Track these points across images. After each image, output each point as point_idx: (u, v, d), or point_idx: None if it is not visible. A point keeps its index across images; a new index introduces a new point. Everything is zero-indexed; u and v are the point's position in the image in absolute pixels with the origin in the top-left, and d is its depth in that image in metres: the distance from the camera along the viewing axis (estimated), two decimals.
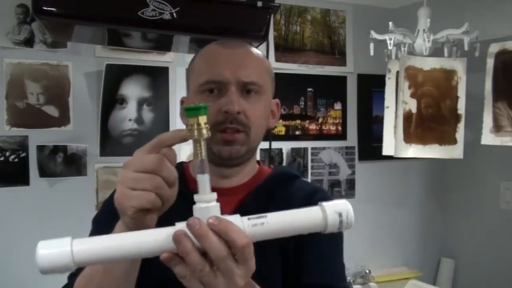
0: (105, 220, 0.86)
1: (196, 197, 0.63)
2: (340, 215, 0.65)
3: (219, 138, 0.85)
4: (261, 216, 0.62)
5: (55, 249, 0.55)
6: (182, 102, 0.96)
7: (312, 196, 0.91)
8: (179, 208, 0.84)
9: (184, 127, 0.70)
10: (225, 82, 0.85)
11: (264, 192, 0.91)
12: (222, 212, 0.72)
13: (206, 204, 0.63)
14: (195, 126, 0.62)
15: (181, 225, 0.59)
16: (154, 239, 0.58)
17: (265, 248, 0.87)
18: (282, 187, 0.93)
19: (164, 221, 0.81)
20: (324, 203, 0.65)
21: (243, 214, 0.84)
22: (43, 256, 0.55)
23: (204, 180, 0.63)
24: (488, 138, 1.83)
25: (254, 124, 0.87)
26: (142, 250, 0.58)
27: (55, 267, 0.56)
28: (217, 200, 0.71)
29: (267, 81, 0.91)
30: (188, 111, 0.62)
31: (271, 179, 0.94)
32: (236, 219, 0.60)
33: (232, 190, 0.91)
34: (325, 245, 0.96)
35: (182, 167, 0.97)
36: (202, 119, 0.62)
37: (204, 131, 0.62)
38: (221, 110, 0.84)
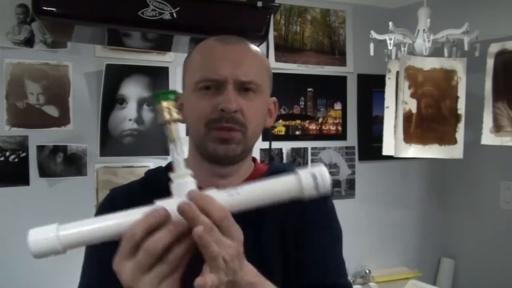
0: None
1: (172, 175, 0.66)
2: (314, 177, 0.65)
3: (214, 136, 0.83)
4: (238, 187, 0.65)
5: (43, 235, 0.60)
6: (177, 98, 0.92)
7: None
8: None
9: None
10: (222, 81, 0.83)
11: None
12: None
13: (183, 180, 0.65)
14: (164, 108, 0.65)
15: (160, 203, 0.63)
16: (136, 218, 0.61)
17: (265, 248, 0.87)
18: None
19: None
20: (298, 169, 0.66)
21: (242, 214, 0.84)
22: (33, 242, 0.60)
23: (178, 160, 0.66)
24: (488, 138, 1.83)
25: (251, 123, 0.85)
26: (124, 230, 0.61)
27: (44, 251, 0.60)
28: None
29: (265, 79, 0.89)
30: (156, 97, 0.65)
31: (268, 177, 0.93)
32: (212, 192, 0.63)
33: None
34: (325, 243, 0.96)
35: (166, 172, 0.94)
36: (169, 104, 0.65)
37: (174, 113, 0.65)
38: (217, 108, 0.82)
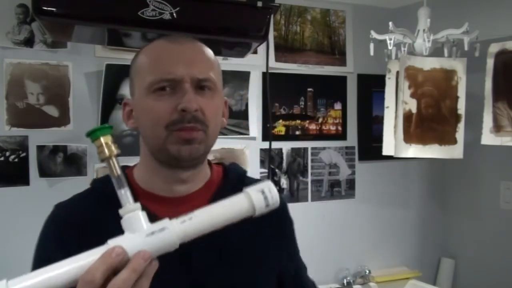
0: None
1: (121, 211, 0.64)
2: (262, 192, 0.66)
3: (176, 138, 0.79)
4: (190, 213, 0.64)
5: None
6: (125, 104, 0.88)
7: None
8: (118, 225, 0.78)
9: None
10: (179, 80, 0.79)
11: (226, 196, 0.85)
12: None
13: (133, 214, 0.64)
14: (103, 145, 0.65)
15: (113, 242, 0.62)
16: (89, 261, 0.59)
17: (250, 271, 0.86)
18: (238, 187, 0.87)
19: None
20: (246, 188, 0.67)
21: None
22: None
23: (125, 194, 0.65)
24: (488, 138, 1.83)
25: (211, 121, 0.82)
26: (80, 275, 0.59)
27: None
28: (173, 211, 0.73)
29: (219, 77, 0.87)
30: (92, 134, 0.65)
31: (229, 182, 0.91)
32: (165, 222, 0.63)
33: (191, 196, 0.86)
34: (298, 263, 0.99)
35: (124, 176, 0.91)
36: (107, 139, 0.65)
37: (113, 148, 0.65)
38: (176, 109, 0.78)
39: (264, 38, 1.33)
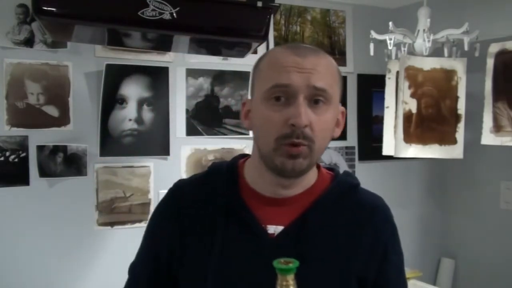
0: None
1: None
2: None
3: (283, 151, 0.81)
4: None
5: None
6: (244, 104, 0.92)
7: (371, 216, 0.92)
8: (230, 223, 0.87)
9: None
10: (294, 88, 0.81)
11: (328, 204, 0.89)
12: (280, 222, 0.85)
13: None
14: (284, 283, 0.70)
15: None
16: None
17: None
18: (344, 198, 0.91)
19: (225, 251, 0.86)
20: None
21: (305, 224, 0.87)
22: None
23: None
24: (488, 138, 1.83)
25: (319, 137, 0.83)
26: None
27: None
28: (272, 211, 0.84)
29: (336, 90, 0.87)
30: (281, 271, 0.70)
31: (335, 190, 0.91)
32: None
33: (293, 198, 0.89)
34: (396, 281, 0.96)
35: (235, 167, 0.95)
36: (291, 277, 0.70)
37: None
38: (287, 122, 0.80)
39: (264, 38, 1.33)
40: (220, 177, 0.92)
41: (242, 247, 0.86)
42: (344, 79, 2.38)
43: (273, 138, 0.81)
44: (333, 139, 0.90)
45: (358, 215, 0.91)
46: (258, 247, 0.85)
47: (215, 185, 0.91)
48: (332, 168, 0.98)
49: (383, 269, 0.91)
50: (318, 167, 0.95)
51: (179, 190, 0.96)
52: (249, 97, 0.92)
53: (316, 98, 0.82)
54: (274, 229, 0.86)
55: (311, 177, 0.91)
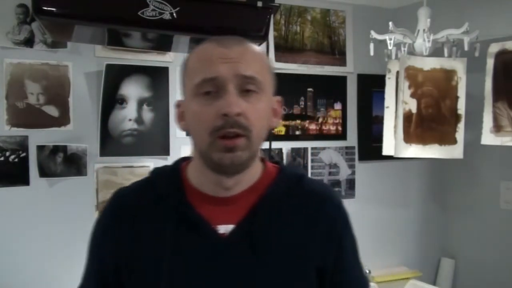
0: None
1: None
2: None
3: (219, 145, 0.79)
4: None
5: None
6: (178, 105, 0.89)
7: (322, 205, 0.91)
8: (178, 227, 0.84)
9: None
10: (222, 79, 0.79)
11: (276, 197, 0.88)
12: (230, 221, 0.81)
13: None
14: None
15: None
16: None
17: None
18: (291, 190, 0.90)
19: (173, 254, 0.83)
20: None
21: (255, 220, 0.85)
22: None
23: None
24: (488, 138, 1.83)
25: (255, 126, 0.81)
26: None
27: None
28: (218, 210, 0.80)
29: (267, 77, 0.85)
30: None
31: (282, 183, 0.90)
32: None
33: (240, 195, 0.87)
34: (353, 266, 0.96)
35: (177, 170, 0.91)
36: None
37: None
38: (219, 113, 0.78)
39: (264, 38, 1.33)
40: (164, 181, 0.89)
41: (194, 250, 0.83)
42: (344, 79, 2.38)
43: (207, 133, 0.79)
44: (272, 129, 0.88)
45: (310, 205, 0.89)
46: (210, 249, 0.82)
47: (159, 190, 0.88)
48: (277, 161, 0.96)
49: (340, 257, 0.90)
50: (264, 161, 0.93)
51: (120, 199, 0.91)
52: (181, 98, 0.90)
53: (246, 88, 0.80)
54: (224, 228, 0.84)
55: (256, 172, 0.89)
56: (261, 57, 0.86)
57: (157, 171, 0.94)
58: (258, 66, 0.84)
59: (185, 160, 0.94)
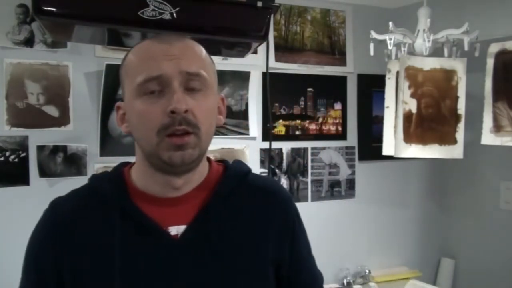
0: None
1: None
2: None
3: (168, 144, 0.77)
4: None
5: None
6: (118, 108, 0.87)
7: (272, 199, 0.90)
8: (127, 232, 0.80)
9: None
10: (167, 77, 0.76)
11: (226, 193, 0.86)
12: (181, 221, 0.78)
13: None
14: None
15: None
16: None
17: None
18: (240, 186, 0.89)
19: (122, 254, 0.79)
20: None
21: (207, 218, 0.83)
22: None
23: None
24: (488, 138, 1.83)
25: (204, 123, 0.79)
26: None
27: None
28: (167, 212, 0.78)
29: (211, 74, 0.84)
30: None
31: (230, 179, 0.89)
32: None
33: (189, 195, 0.85)
34: (307, 258, 0.97)
35: (120, 174, 0.88)
36: None
37: None
38: (166, 111, 0.76)
39: (264, 38, 1.33)
40: (106, 185, 0.85)
41: (145, 254, 0.79)
42: (344, 79, 2.38)
43: (154, 132, 0.77)
44: (218, 127, 0.87)
45: (260, 200, 0.89)
46: (163, 251, 0.80)
47: (102, 194, 0.84)
48: (222, 160, 0.95)
49: (294, 249, 0.91)
50: (209, 160, 0.91)
51: (58, 207, 0.87)
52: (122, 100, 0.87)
53: (191, 86, 0.79)
54: (176, 229, 0.81)
55: (203, 170, 0.87)
56: (203, 54, 0.84)
57: (97, 176, 0.91)
58: (202, 63, 0.82)
59: (125, 165, 0.91)
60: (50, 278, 0.82)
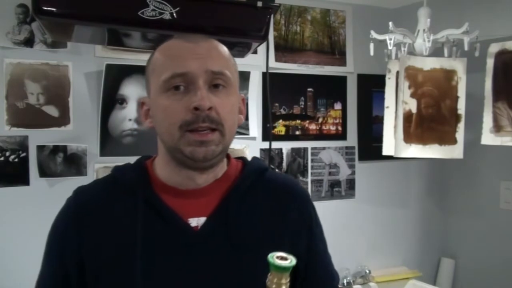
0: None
1: None
2: None
3: (189, 139, 0.79)
4: None
5: None
6: (142, 104, 0.89)
7: (290, 194, 0.92)
8: (148, 221, 0.82)
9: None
10: (192, 74, 0.79)
11: (245, 188, 0.88)
12: (201, 213, 0.80)
13: None
14: (277, 281, 0.66)
15: None
16: None
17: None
18: (259, 181, 0.91)
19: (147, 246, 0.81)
20: None
21: (227, 211, 0.84)
22: None
23: None
24: (488, 138, 1.83)
25: (227, 120, 0.81)
26: None
27: None
28: (187, 203, 0.80)
29: (234, 74, 0.86)
30: (277, 268, 0.65)
31: (250, 175, 0.91)
32: None
33: (209, 188, 0.87)
34: (323, 253, 0.98)
35: (142, 167, 0.91)
36: (285, 276, 0.66)
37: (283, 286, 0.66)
38: (189, 108, 0.78)
39: (264, 38, 1.33)
40: (129, 175, 0.88)
41: (166, 245, 0.81)
42: (344, 79, 2.38)
43: (177, 127, 0.79)
44: (238, 126, 0.88)
45: (278, 196, 0.90)
46: (184, 242, 0.81)
47: (125, 184, 0.86)
48: (241, 157, 0.97)
49: (311, 246, 0.92)
50: (227, 156, 0.93)
51: (81, 194, 0.89)
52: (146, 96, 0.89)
53: (215, 83, 0.81)
54: (196, 221, 0.83)
55: (222, 165, 0.90)
56: (227, 54, 0.87)
57: (120, 168, 0.92)
58: (226, 62, 0.84)
59: (147, 158, 0.94)
60: (72, 262, 0.84)
